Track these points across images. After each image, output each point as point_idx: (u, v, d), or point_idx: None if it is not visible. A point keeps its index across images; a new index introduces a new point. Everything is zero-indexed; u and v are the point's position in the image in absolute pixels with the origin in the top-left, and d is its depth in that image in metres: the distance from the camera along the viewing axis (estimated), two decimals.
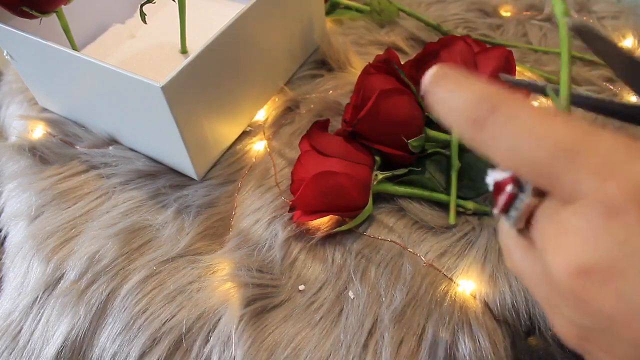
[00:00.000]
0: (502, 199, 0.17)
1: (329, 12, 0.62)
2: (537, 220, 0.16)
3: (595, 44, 0.24)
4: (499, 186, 0.17)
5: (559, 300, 0.16)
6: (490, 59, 0.44)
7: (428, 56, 0.45)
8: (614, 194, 0.14)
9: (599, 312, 0.14)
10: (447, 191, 0.42)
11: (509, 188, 0.16)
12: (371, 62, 0.44)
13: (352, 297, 0.37)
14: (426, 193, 0.42)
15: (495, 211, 0.17)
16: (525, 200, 0.16)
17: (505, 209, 0.17)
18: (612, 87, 0.52)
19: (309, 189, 0.38)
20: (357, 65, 0.54)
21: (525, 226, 0.17)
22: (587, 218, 0.14)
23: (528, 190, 0.16)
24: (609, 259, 0.14)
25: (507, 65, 0.44)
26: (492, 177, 0.18)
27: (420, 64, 0.46)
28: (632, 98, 0.51)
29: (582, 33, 0.24)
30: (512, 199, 0.16)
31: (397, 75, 0.42)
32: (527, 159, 0.15)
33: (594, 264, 0.14)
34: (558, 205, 0.16)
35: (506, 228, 0.18)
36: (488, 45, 0.45)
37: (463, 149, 0.43)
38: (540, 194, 0.16)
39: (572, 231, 0.15)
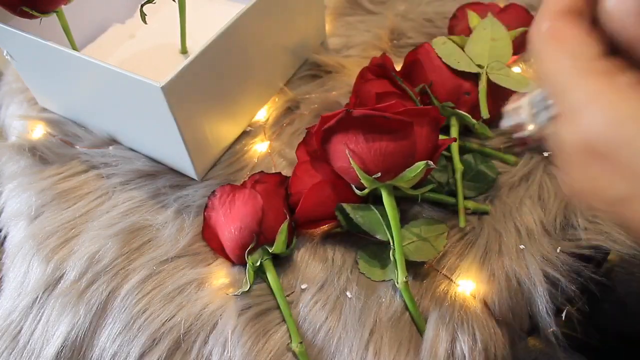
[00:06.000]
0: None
1: None
2: None
3: None
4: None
5: None
6: None
7: (410, 65, 0.46)
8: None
9: None
10: (447, 191, 0.42)
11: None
12: (368, 65, 0.44)
13: (349, 296, 0.37)
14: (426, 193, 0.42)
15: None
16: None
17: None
18: None
19: (308, 201, 0.38)
20: (352, 67, 0.54)
21: None
22: None
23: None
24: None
25: None
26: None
27: (406, 74, 0.46)
28: None
29: None
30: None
31: (393, 79, 0.42)
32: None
33: None
34: None
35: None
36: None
37: (462, 151, 0.43)
38: None
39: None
